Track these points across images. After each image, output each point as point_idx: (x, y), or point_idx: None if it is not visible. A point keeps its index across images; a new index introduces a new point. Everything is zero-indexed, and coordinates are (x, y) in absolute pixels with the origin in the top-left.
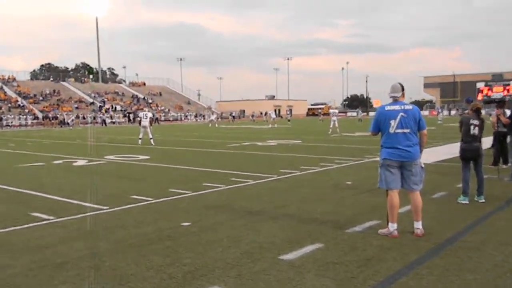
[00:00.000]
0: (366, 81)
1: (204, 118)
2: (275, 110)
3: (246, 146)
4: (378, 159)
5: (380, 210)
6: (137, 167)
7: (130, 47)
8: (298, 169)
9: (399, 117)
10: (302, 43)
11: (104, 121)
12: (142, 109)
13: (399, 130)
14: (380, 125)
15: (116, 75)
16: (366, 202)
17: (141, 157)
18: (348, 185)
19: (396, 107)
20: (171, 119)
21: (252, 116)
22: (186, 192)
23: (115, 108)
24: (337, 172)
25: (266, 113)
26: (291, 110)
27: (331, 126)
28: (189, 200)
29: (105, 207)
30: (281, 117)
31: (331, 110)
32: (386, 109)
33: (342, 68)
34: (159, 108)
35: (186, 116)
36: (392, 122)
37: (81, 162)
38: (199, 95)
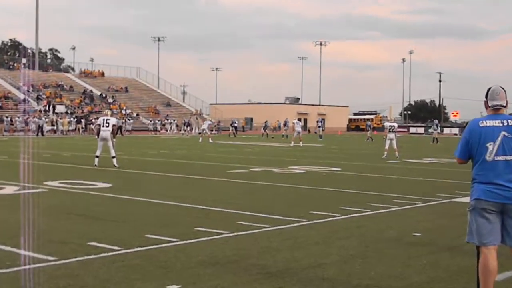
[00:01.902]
0: (440, 81)
1: (191, 129)
2: (299, 120)
3: (257, 174)
4: (465, 199)
5: (467, 276)
6: (95, 199)
7: (82, 20)
8: (337, 211)
9: (500, 137)
10: (342, 22)
11: (40, 128)
12: (100, 112)
13: (500, 157)
14: (471, 148)
15: (61, 60)
16: (445, 264)
17: (100, 184)
18: (417, 238)
19: (496, 123)
20: (141, 128)
21: (265, 127)
22: (171, 239)
23: (54, 108)
24: (397, 218)
25: (286, 124)
26: (323, 121)
27: (386, 147)
28: (176, 252)
29: (51, 258)
30: (308, 131)
31: (386, 124)
32: (480, 125)
33: (403, 60)
34: (124, 111)
35: (164, 124)
36: (490, 145)
37: (9, 190)
38: (184, 93)
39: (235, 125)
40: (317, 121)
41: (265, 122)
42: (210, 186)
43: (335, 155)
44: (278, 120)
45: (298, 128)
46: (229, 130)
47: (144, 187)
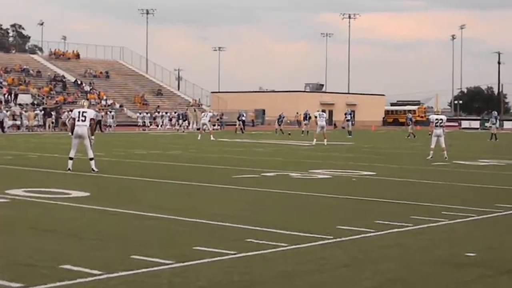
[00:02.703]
0: (499, 63)
1: (188, 124)
2: (322, 112)
3: (270, 180)
4: None
5: None
6: (68, 212)
7: None
8: (371, 226)
9: None
10: None
11: (0, 123)
12: (74, 103)
13: None
14: None
15: (26, 39)
16: None
17: (75, 193)
18: (470, 258)
19: None
20: (126, 123)
21: (279, 121)
22: (164, 261)
23: (17, 97)
24: (446, 234)
25: (306, 117)
26: (352, 114)
27: (432, 145)
28: (170, 277)
29: (15, 285)
30: (334, 125)
31: (432, 117)
32: None
33: (453, 37)
34: (105, 102)
35: (155, 118)
36: None
37: None
38: (179, 79)
39: (243, 118)
40: (345, 114)
41: (280, 115)
42: (212, 195)
43: (368, 156)
44: (297, 112)
45: (322, 122)
46: (235, 125)
47: (130, 197)
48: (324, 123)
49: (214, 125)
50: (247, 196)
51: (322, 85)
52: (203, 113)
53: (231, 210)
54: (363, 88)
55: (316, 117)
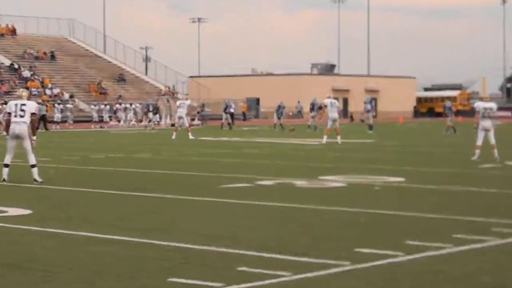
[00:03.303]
0: None
1: (159, 119)
2: (334, 100)
3: (268, 190)
4: None
5: None
6: (5, 235)
7: None
8: (399, 248)
9: None
10: None
11: None
12: (10, 93)
13: None
14: None
15: None
16: None
17: (12, 211)
18: None
19: None
20: (79, 118)
21: (279, 113)
22: None
23: None
24: (497, 257)
25: (314, 108)
26: (373, 102)
27: (479, 142)
28: None
29: None
30: (351, 118)
31: (478, 105)
32: None
33: (504, 1)
34: (50, 91)
35: (116, 111)
36: None
37: None
38: (147, 60)
39: (231, 110)
40: (365, 102)
41: (279, 105)
42: (192, 210)
43: (395, 157)
44: (299, 102)
45: (334, 113)
46: (220, 119)
47: (84, 214)
48: (336, 114)
49: (193, 120)
50: (238, 211)
51: (334, 65)
52: (178, 104)
53: (217, 229)
54: (387, 69)
55: (326, 106)
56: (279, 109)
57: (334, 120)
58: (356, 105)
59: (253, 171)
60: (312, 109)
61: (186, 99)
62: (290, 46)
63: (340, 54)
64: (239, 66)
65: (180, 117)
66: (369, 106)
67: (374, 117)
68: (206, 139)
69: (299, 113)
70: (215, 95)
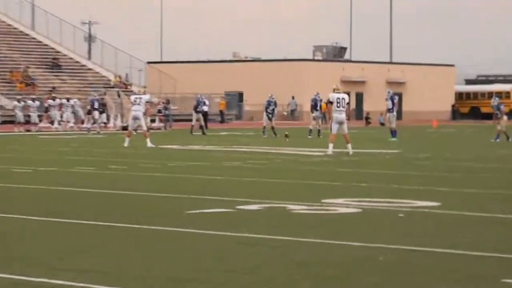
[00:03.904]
0: None
1: (107, 119)
2: (343, 97)
3: (253, 216)
4: None
5: None
6: None
7: None
8: None
9: None
10: None
11: None
12: None
13: None
14: None
15: None
16: None
17: None
18: None
19: None
20: None
21: (269, 111)
22: None
23: None
24: None
25: (316, 106)
26: (395, 98)
27: None
28: None
29: None
30: (366, 120)
31: None
32: None
33: None
34: None
35: (49, 109)
36: None
37: None
38: (90, 39)
39: (204, 108)
40: (387, 99)
41: (269, 101)
42: (149, 245)
43: (426, 174)
44: (293, 98)
45: (341, 113)
46: (190, 120)
47: (2, 250)
48: (344, 115)
49: (153, 121)
50: (210, 246)
51: (345, 48)
52: (133, 100)
53: (180, 272)
54: (415, 54)
55: (331, 103)
56: (269, 106)
57: (340, 123)
58: (374, 103)
59: (233, 191)
60: (314, 107)
61: (144, 92)
62: (285, 23)
63: (352, 34)
64: (215, 50)
65: (135, 118)
66: (390, 104)
67: (393, 115)
68: (170, 148)
69: (292, 113)
70: (183, 88)
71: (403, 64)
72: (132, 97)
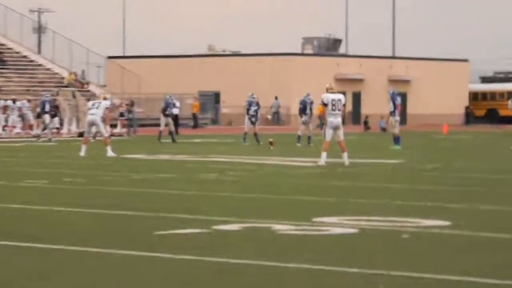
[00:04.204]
0: None
1: (60, 123)
2: (339, 98)
3: (232, 238)
4: None
5: None
6: None
7: None
8: None
9: None
10: None
11: None
12: None
13: None
14: None
15: None
16: None
17: None
18: None
19: None
20: None
21: (251, 113)
22: None
23: None
24: None
25: (306, 109)
26: (398, 98)
27: None
28: None
29: None
30: (365, 125)
31: None
32: None
33: None
34: None
35: None
36: None
37: None
38: (40, 29)
39: (174, 111)
40: (390, 100)
41: (250, 102)
42: (110, 272)
43: (435, 188)
44: (276, 98)
45: (336, 117)
46: (158, 125)
47: None
48: (339, 119)
49: (114, 126)
50: (181, 273)
51: (339, 41)
52: (91, 104)
53: None
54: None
55: (325, 105)
56: (251, 107)
57: (336, 128)
58: (374, 104)
59: (209, 208)
60: (303, 111)
61: (104, 98)
62: (270, 13)
63: (348, 25)
64: (188, 43)
65: (92, 123)
66: (392, 106)
67: (402, 123)
68: (135, 157)
69: (276, 117)
70: (150, 87)
71: (408, 59)
72: (90, 103)
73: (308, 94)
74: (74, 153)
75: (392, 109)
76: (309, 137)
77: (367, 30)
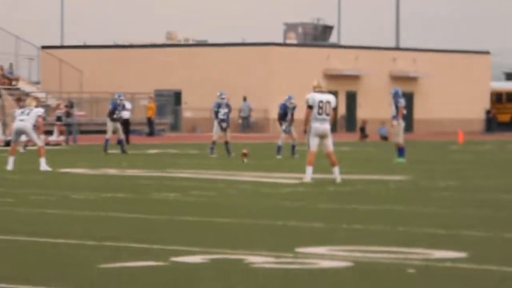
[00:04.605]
0: None
1: None
2: (332, 96)
3: (195, 272)
4: None
5: None
6: None
7: None
8: None
9: None
10: None
11: None
12: None
13: None
14: None
15: None
16: None
17: None
18: None
19: None
20: None
21: (219, 116)
22: None
23: None
24: None
25: (287, 114)
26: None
27: None
28: None
29: None
30: (361, 132)
31: None
32: None
33: None
34: None
35: None
36: None
37: None
38: None
39: (124, 115)
40: (393, 102)
41: (219, 102)
42: None
43: (448, 212)
44: (245, 99)
45: (323, 123)
46: (104, 132)
47: None
48: (327, 125)
49: (48, 134)
50: None
51: (330, 28)
52: (19, 110)
53: None
54: (431, 37)
55: (310, 107)
56: (220, 109)
57: (323, 136)
58: (373, 107)
59: (167, 236)
60: (282, 117)
61: (36, 106)
62: None
63: (341, 9)
64: (142, 30)
65: (20, 131)
66: (394, 110)
67: (407, 130)
68: (74, 172)
69: (245, 122)
70: (93, 85)
71: (415, 51)
72: (18, 111)
73: (290, 98)
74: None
75: (394, 114)
76: (293, 147)
77: (364, 15)
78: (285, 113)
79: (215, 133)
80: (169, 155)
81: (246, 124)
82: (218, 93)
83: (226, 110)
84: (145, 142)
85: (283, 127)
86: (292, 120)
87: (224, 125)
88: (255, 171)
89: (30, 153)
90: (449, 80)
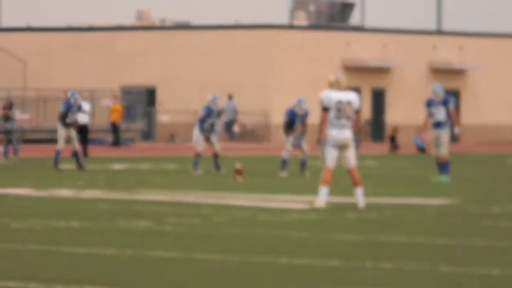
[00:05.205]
0: None
1: None
2: (355, 94)
3: None
4: None
5: None
6: None
7: None
8: None
9: None
10: None
11: None
12: None
13: None
14: None
15: None
16: None
17: None
18: None
19: None
20: None
21: (207, 123)
22: None
23: None
24: None
25: (295, 122)
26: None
27: None
28: None
29: None
30: (391, 140)
31: None
32: None
33: None
34: None
35: None
36: None
37: None
38: None
39: (80, 119)
40: (428, 103)
41: (209, 106)
42: None
43: (506, 245)
44: (230, 97)
45: (341, 130)
46: (54, 141)
47: None
48: (347, 133)
49: None
50: None
51: (351, 5)
52: None
53: None
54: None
55: (326, 108)
56: (209, 115)
57: (342, 147)
58: (407, 109)
59: (136, 278)
60: (290, 124)
61: None
62: None
63: None
64: (106, 9)
65: None
66: (439, 113)
67: (452, 139)
68: (16, 194)
69: (230, 128)
70: (42, 80)
71: (462, 36)
72: None
73: (300, 102)
74: None
75: (441, 119)
76: (303, 162)
77: None
78: (292, 122)
79: (197, 142)
80: (139, 172)
81: (231, 132)
82: (210, 97)
83: (215, 116)
84: (109, 155)
85: (291, 138)
86: (303, 131)
87: (210, 130)
88: (251, 193)
89: None
90: (505, 73)
